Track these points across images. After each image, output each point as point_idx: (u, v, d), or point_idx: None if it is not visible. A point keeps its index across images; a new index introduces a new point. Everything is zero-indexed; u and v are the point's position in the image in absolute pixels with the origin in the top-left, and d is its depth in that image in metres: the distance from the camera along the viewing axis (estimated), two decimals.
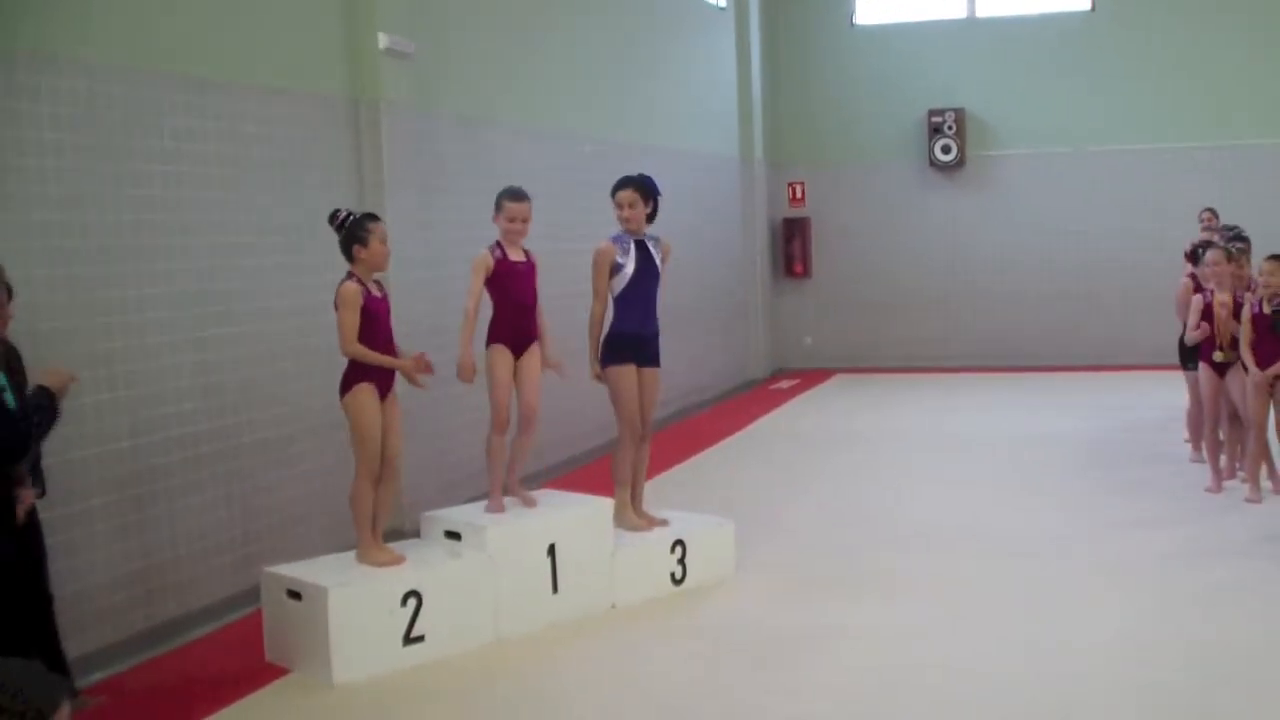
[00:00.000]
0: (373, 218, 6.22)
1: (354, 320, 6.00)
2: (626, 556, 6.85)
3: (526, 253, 6.82)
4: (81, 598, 6.04)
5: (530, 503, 6.84)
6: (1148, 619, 6.38)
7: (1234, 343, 8.74)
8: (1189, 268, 9.94)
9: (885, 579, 7.18)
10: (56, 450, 5.72)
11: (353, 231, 6.11)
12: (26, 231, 5.89)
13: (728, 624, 6.50)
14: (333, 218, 6.17)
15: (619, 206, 7.00)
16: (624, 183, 7.05)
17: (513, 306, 6.74)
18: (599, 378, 7.14)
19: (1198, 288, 9.33)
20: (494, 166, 9.67)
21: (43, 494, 5.50)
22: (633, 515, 7.14)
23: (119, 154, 6.44)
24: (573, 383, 7.50)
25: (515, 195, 6.78)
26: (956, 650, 5.99)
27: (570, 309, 9.09)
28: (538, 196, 7.02)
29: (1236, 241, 9.64)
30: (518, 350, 6.77)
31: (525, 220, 6.76)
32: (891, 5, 17.35)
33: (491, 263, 6.68)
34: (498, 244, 6.76)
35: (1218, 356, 8.87)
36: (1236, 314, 8.75)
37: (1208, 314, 8.90)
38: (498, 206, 6.78)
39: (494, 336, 6.75)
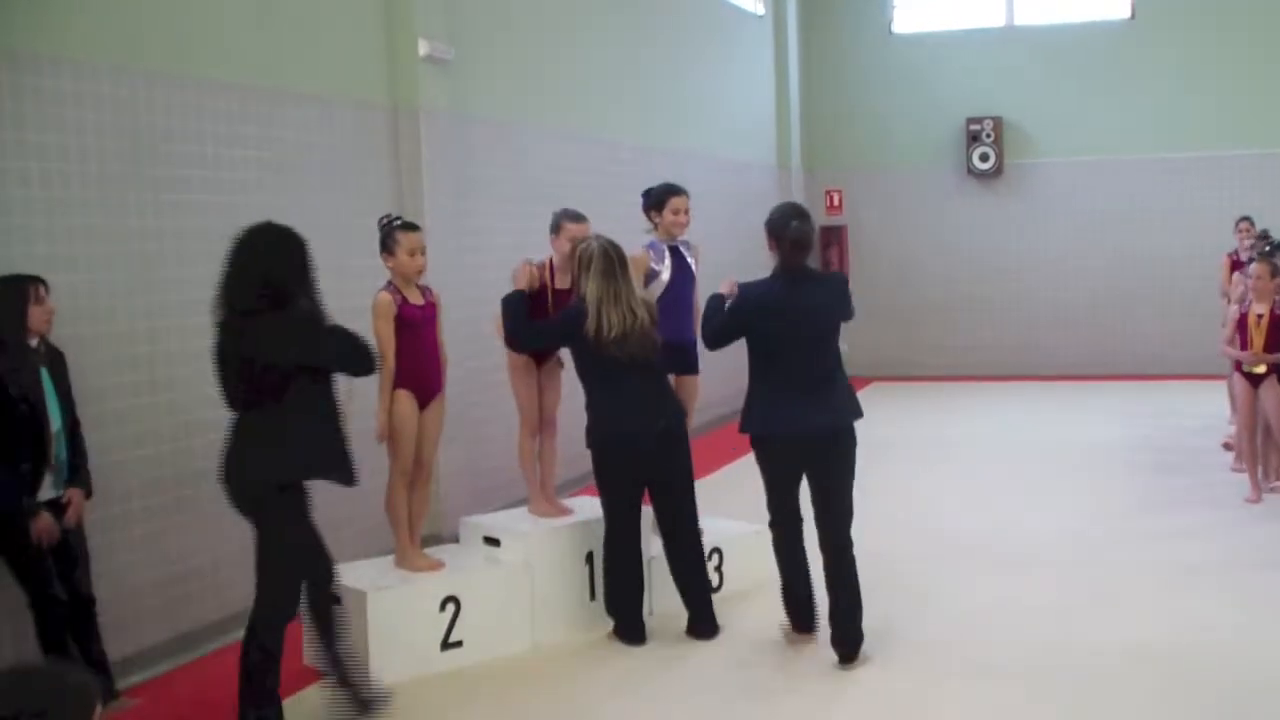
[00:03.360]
0: (407, 227, 6.12)
1: (386, 331, 6.00)
2: (664, 564, 6.83)
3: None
4: (122, 600, 6.07)
5: (563, 511, 6.82)
6: (1186, 628, 6.32)
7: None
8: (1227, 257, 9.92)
9: (920, 587, 7.15)
10: (98, 453, 5.76)
11: (383, 240, 6.10)
12: (69, 236, 5.95)
13: (765, 631, 6.47)
14: (379, 222, 6.18)
15: (675, 212, 6.92)
16: (679, 189, 6.99)
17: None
18: None
19: (1235, 265, 9.28)
20: (532, 172, 9.69)
21: (89, 495, 5.56)
22: None
23: (161, 159, 6.49)
24: None
25: (575, 217, 6.63)
26: (988, 660, 5.96)
27: None
28: (573, 202, 6.98)
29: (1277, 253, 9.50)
30: (540, 360, 6.76)
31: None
32: (930, 13, 17.30)
33: (538, 283, 6.57)
34: (548, 262, 6.70)
35: (1250, 368, 8.80)
36: (1275, 325, 8.66)
37: (1242, 325, 8.83)
38: (556, 229, 6.65)
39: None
